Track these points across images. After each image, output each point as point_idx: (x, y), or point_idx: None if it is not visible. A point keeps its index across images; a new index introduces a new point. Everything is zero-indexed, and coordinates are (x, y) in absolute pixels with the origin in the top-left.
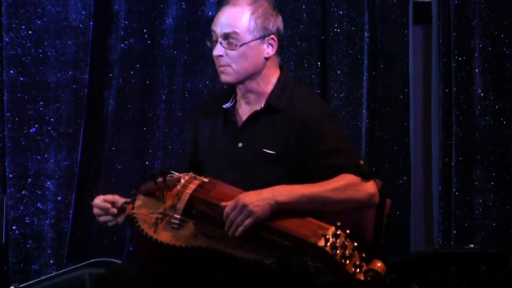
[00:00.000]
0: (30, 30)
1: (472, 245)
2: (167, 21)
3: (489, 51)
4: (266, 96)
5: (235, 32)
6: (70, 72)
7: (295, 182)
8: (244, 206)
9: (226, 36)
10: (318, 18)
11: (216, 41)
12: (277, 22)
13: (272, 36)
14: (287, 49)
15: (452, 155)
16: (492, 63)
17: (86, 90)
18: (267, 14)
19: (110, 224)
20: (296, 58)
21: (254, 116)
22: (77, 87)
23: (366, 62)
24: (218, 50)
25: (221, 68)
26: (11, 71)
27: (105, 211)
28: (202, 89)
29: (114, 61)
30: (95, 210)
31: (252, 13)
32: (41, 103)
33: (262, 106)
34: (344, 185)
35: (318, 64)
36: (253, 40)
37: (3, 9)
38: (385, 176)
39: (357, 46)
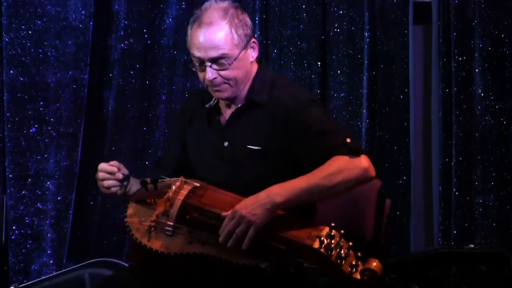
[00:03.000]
0: (30, 30)
1: (472, 245)
2: (167, 21)
3: (489, 51)
4: (245, 92)
5: (224, 54)
6: (70, 72)
7: (284, 175)
8: (242, 217)
9: (214, 60)
10: (318, 18)
11: (203, 65)
12: (249, 22)
13: (252, 39)
14: (287, 49)
15: (452, 155)
16: (492, 63)
17: (86, 90)
18: (241, 20)
19: (113, 189)
20: (296, 58)
21: (237, 113)
22: (77, 87)
23: (366, 62)
24: (211, 74)
25: (216, 88)
26: (11, 71)
27: (112, 174)
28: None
29: (114, 61)
30: (101, 174)
31: (230, 26)
32: (41, 103)
33: (243, 102)
34: (337, 168)
35: (318, 64)
36: (240, 53)
37: (3, 9)
38: (385, 176)
39: (357, 46)
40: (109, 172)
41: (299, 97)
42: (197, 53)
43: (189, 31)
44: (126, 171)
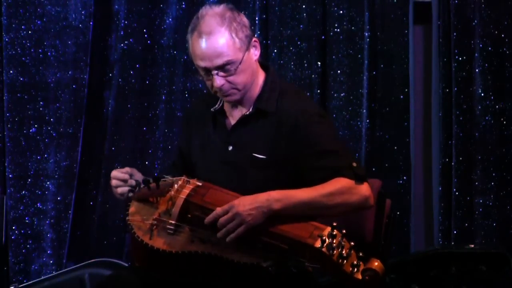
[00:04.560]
0: (30, 30)
1: (472, 245)
2: (167, 21)
3: (489, 51)
4: (254, 99)
5: (228, 60)
6: (70, 72)
7: (286, 185)
8: (237, 214)
9: (220, 67)
10: (318, 18)
11: (210, 74)
12: (246, 21)
13: (253, 39)
14: (287, 49)
15: (452, 155)
16: (492, 63)
17: (86, 90)
18: (239, 23)
19: (127, 195)
20: (296, 58)
21: (244, 119)
22: (77, 87)
23: (366, 62)
24: (219, 81)
25: (226, 93)
26: (11, 71)
27: (124, 182)
28: (202, 89)
29: (114, 61)
30: (114, 182)
31: (230, 31)
32: (41, 103)
33: (251, 110)
34: (339, 189)
35: (318, 64)
36: (244, 55)
37: (3, 9)
38: (385, 176)
39: (357, 46)
40: (122, 179)
41: (309, 111)
42: (201, 64)
43: (189, 40)
44: (139, 176)
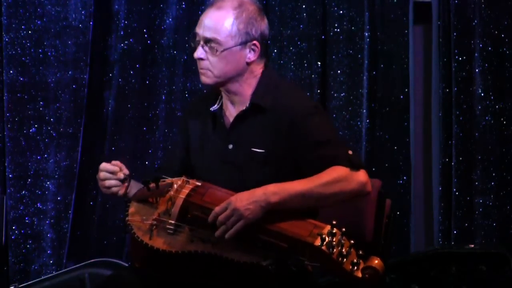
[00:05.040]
0: (30, 30)
1: (472, 245)
2: (167, 21)
3: (489, 51)
4: (249, 95)
5: (216, 39)
6: (70, 72)
7: (287, 180)
8: (235, 209)
9: (207, 41)
10: (318, 18)
11: (199, 43)
12: (261, 27)
13: (254, 42)
14: (287, 49)
15: (452, 155)
16: (492, 63)
17: (86, 90)
18: (250, 19)
19: (114, 189)
20: (296, 58)
21: (241, 116)
22: (77, 87)
23: (366, 62)
24: (199, 53)
25: (201, 70)
26: (11, 71)
27: (113, 174)
28: (202, 89)
29: (114, 61)
30: (102, 174)
31: (236, 18)
32: (41, 103)
33: (247, 105)
34: (335, 177)
35: (318, 64)
36: (234, 46)
37: (3, 9)
38: (385, 176)
39: (357, 46)
40: (111, 171)
41: (305, 104)
42: (197, 28)
43: None
44: (127, 172)
